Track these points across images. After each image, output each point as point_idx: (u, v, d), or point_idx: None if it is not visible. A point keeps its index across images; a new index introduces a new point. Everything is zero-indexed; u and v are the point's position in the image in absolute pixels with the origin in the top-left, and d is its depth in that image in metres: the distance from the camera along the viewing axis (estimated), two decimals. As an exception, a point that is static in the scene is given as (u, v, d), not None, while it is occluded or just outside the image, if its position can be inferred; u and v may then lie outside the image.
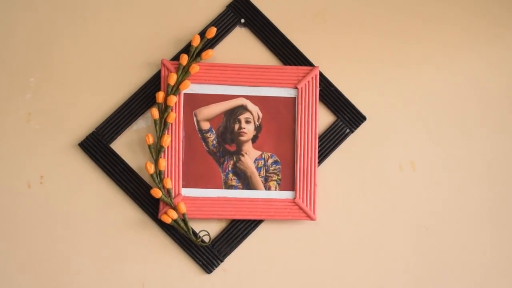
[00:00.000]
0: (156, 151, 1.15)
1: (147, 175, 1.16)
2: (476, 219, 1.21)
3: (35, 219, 1.16)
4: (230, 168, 1.18)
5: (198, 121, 1.17)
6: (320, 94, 1.19)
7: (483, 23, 1.25)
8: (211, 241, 1.16)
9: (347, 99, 1.20)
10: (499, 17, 1.25)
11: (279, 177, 1.17)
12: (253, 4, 1.20)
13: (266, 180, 1.17)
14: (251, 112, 1.18)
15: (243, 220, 1.17)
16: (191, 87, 1.17)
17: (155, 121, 1.15)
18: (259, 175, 1.17)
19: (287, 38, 1.20)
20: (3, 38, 1.18)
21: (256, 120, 1.18)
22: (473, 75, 1.24)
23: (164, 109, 1.15)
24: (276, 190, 1.17)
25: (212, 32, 1.16)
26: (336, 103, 1.19)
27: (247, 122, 1.18)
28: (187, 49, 1.18)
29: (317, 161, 1.17)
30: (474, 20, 1.25)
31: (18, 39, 1.18)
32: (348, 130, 1.19)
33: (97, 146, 1.16)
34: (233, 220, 1.17)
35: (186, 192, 1.16)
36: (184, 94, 1.17)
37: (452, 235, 1.20)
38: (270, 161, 1.18)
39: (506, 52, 1.24)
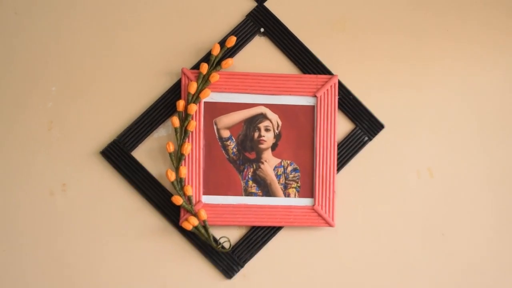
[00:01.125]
0: (177, 159, 1.16)
1: (168, 183, 1.18)
2: (493, 227, 1.22)
3: (58, 226, 1.18)
4: (250, 176, 1.19)
5: (218, 129, 1.18)
6: (339, 103, 1.20)
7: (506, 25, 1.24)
8: (231, 247, 1.18)
9: (365, 107, 1.21)
10: None
11: (298, 184, 1.18)
12: (272, 13, 1.20)
13: (285, 187, 1.18)
14: (270, 120, 1.19)
15: (263, 227, 1.19)
16: (211, 96, 1.18)
17: (175, 129, 1.16)
18: (278, 183, 1.18)
19: (306, 47, 1.20)
20: (25, 48, 1.20)
21: (275, 128, 1.19)
22: (492, 80, 1.24)
23: (185, 118, 1.16)
24: (295, 197, 1.18)
25: (232, 41, 1.17)
26: (355, 111, 1.20)
27: (267, 130, 1.19)
28: (207, 58, 1.19)
29: (336, 168, 1.18)
30: (496, 24, 1.24)
31: (40, 49, 1.20)
32: (366, 138, 1.20)
33: (119, 154, 1.18)
34: (253, 226, 1.19)
35: (207, 199, 1.17)
36: (205, 102, 1.18)
37: (469, 242, 1.21)
38: (289, 168, 1.19)
39: None
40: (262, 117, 1.19)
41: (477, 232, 1.22)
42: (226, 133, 1.18)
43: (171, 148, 1.16)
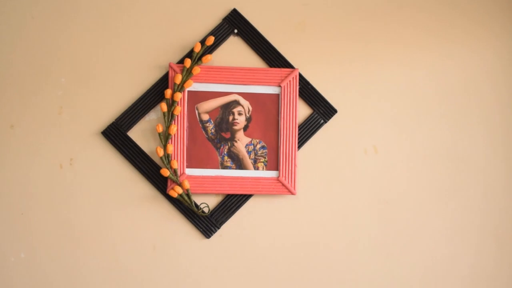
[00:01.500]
0: (165, 138, 1.31)
1: (158, 158, 1.32)
2: (427, 194, 1.37)
3: (66, 193, 1.32)
4: (225, 152, 1.34)
5: (199, 114, 1.34)
6: (299, 91, 1.34)
7: (438, 26, 1.39)
8: (210, 211, 1.32)
9: (321, 95, 1.36)
10: (454, 20, 1.39)
11: (265, 159, 1.34)
12: (244, 17, 1.35)
13: (255, 161, 1.34)
14: (242, 106, 1.34)
15: (236, 195, 1.33)
16: (193, 86, 1.33)
17: (164, 113, 1.30)
18: (249, 158, 1.34)
19: (272, 45, 1.35)
20: (40, 46, 1.32)
21: (247, 112, 1.34)
22: (421, 75, 1.38)
23: (171, 104, 1.31)
24: (263, 170, 1.34)
25: (210, 40, 1.31)
26: (312, 98, 1.35)
27: (240, 114, 1.34)
28: (190, 54, 1.33)
29: (297, 146, 1.33)
30: (429, 24, 1.39)
31: (52, 47, 1.33)
32: (322, 121, 1.36)
33: (117, 134, 1.32)
34: (228, 194, 1.33)
35: (190, 171, 1.33)
36: (188, 91, 1.33)
37: (408, 208, 1.37)
38: (258, 146, 1.34)
39: (460, 50, 1.39)
40: (236, 103, 1.34)
41: (415, 199, 1.37)
42: (205, 117, 1.34)
43: (160, 129, 1.30)
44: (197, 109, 1.34)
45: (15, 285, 1.30)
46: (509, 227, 1.39)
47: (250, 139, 1.34)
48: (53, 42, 1.34)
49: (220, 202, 1.34)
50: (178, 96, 1.30)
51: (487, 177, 1.39)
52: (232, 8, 1.35)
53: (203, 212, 1.32)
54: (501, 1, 1.41)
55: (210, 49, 1.34)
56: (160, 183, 1.33)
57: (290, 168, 1.33)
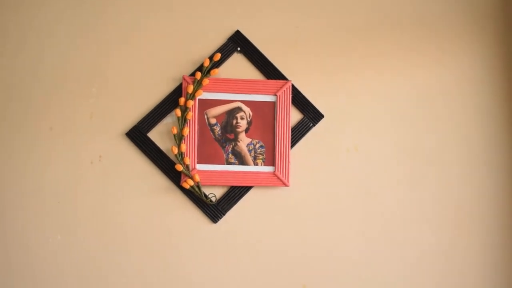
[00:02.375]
0: (179, 138, 1.45)
1: (173, 155, 1.46)
2: (400, 185, 1.52)
3: (96, 185, 1.45)
4: (230, 150, 1.47)
5: (208, 118, 1.47)
6: (292, 99, 1.49)
7: (412, 42, 1.52)
8: (216, 200, 1.47)
9: (310, 102, 1.50)
10: (427, 36, 1.53)
11: (263, 157, 1.48)
12: (246, 37, 1.50)
13: (255, 158, 1.47)
14: (244, 112, 1.48)
15: (239, 186, 1.47)
16: (203, 95, 1.47)
17: (178, 118, 1.44)
18: (250, 155, 1.47)
19: (269, 61, 1.50)
20: (74, 61, 1.47)
21: (248, 117, 1.48)
22: (397, 86, 1.52)
23: (185, 110, 1.45)
24: (261, 165, 1.47)
25: (217, 56, 1.46)
26: (303, 105, 1.50)
27: (242, 118, 1.48)
28: (200, 68, 1.47)
29: (290, 145, 1.47)
30: (404, 40, 1.53)
31: (85, 62, 1.47)
32: (311, 124, 1.50)
33: (138, 135, 1.46)
34: (232, 186, 1.47)
35: (200, 167, 1.47)
36: (198, 99, 1.47)
37: (384, 197, 1.51)
38: (257, 145, 1.48)
39: (432, 62, 1.52)
40: (239, 109, 1.48)
41: (389, 189, 1.51)
42: (213, 120, 1.48)
43: (175, 131, 1.44)
44: (206, 114, 1.48)
45: (52, 262, 1.44)
46: (471, 213, 1.53)
47: (250, 140, 1.49)
48: (86, 58, 1.48)
49: (225, 193, 1.48)
50: (190, 103, 1.44)
51: (451, 170, 1.53)
52: (236, 29, 1.51)
53: (211, 201, 1.46)
54: (468, 22, 1.56)
55: (217, 64, 1.48)
56: (174, 176, 1.47)
57: (284, 164, 1.47)
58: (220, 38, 1.51)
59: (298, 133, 1.51)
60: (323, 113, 1.53)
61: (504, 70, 1.57)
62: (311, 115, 1.51)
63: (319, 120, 1.52)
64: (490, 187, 1.56)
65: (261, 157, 1.48)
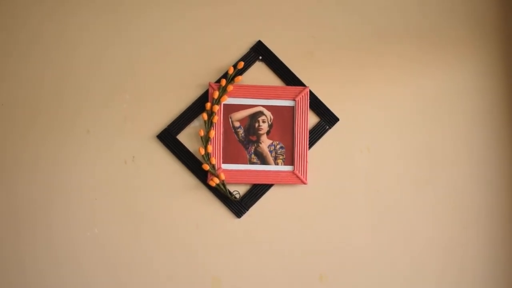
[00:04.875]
0: (206, 140, 1.53)
1: (200, 156, 1.55)
2: (409, 183, 1.61)
3: (129, 183, 1.53)
4: (252, 151, 1.56)
5: (232, 121, 1.56)
6: (309, 104, 1.57)
7: (417, 54, 1.61)
8: (240, 197, 1.56)
9: (327, 107, 1.59)
10: (430, 49, 1.62)
11: (283, 157, 1.56)
12: (267, 47, 1.59)
13: (275, 159, 1.56)
14: (266, 116, 1.56)
15: (261, 184, 1.55)
16: (228, 100, 1.55)
17: (205, 121, 1.53)
18: (271, 156, 1.56)
19: (288, 69, 1.58)
20: (110, 69, 1.54)
21: (269, 120, 1.56)
22: (410, 89, 1.62)
23: (211, 114, 1.53)
24: (282, 165, 1.56)
25: (241, 65, 1.54)
26: (320, 110, 1.58)
27: (263, 122, 1.56)
28: (225, 75, 1.55)
29: (307, 146, 1.56)
30: (410, 52, 1.61)
31: (119, 71, 1.55)
32: (327, 127, 1.58)
33: (168, 137, 1.54)
34: (255, 184, 1.56)
35: (225, 166, 1.55)
36: (223, 104, 1.55)
37: (395, 194, 1.60)
38: (278, 146, 1.56)
39: (434, 72, 1.61)
40: (261, 113, 1.56)
41: (400, 188, 1.60)
42: (237, 124, 1.56)
43: (202, 133, 1.52)
44: (230, 118, 1.57)
45: (89, 254, 1.53)
46: (472, 210, 1.63)
47: (271, 141, 1.57)
48: (120, 66, 1.57)
49: (249, 190, 1.57)
50: (216, 108, 1.53)
51: (455, 170, 1.63)
52: (257, 40, 1.60)
53: (235, 197, 1.54)
54: (469, 33, 1.65)
55: (240, 72, 1.56)
56: (201, 175, 1.55)
57: (302, 164, 1.56)
58: (243, 48, 1.60)
59: (315, 135, 1.59)
60: (338, 116, 1.61)
61: (505, 75, 1.67)
62: (327, 119, 1.60)
63: (335, 123, 1.61)
64: (492, 186, 1.65)
65: (281, 157, 1.57)
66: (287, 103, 1.57)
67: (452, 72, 1.65)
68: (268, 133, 1.57)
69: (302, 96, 1.58)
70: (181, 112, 1.57)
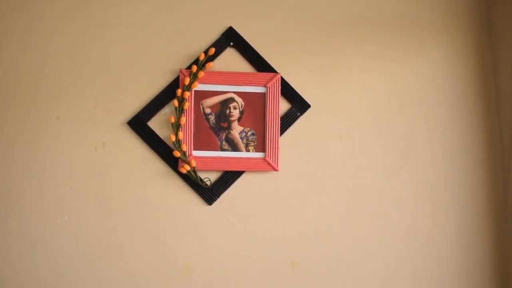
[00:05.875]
0: (176, 127, 1.52)
1: (171, 142, 1.54)
2: (380, 170, 1.61)
3: (100, 170, 1.52)
4: (223, 138, 1.55)
5: (203, 108, 1.55)
6: (281, 91, 1.56)
7: (391, 40, 1.61)
8: (211, 184, 1.55)
9: (298, 94, 1.58)
10: (404, 35, 1.62)
11: (255, 144, 1.55)
12: (238, 33, 1.58)
13: (246, 145, 1.55)
14: (237, 102, 1.55)
15: (232, 171, 1.54)
16: (198, 86, 1.54)
17: (175, 108, 1.51)
18: (242, 142, 1.55)
19: (260, 55, 1.57)
20: (80, 55, 1.54)
21: (240, 107, 1.55)
22: (383, 76, 1.61)
23: (182, 100, 1.51)
24: (253, 152, 1.55)
25: (212, 51, 1.53)
26: (291, 96, 1.57)
27: (235, 108, 1.55)
28: (196, 61, 1.54)
29: (279, 133, 1.55)
30: (384, 39, 1.61)
31: (89, 56, 1.55)
32: (299, 114, 1.58)
33: (139, 124, 1.53)
34: (226, 171, 1.55)
35: (196, 153, 1.54)
36: (194, 91, 1.54)
37: (366, 180, 1.60)
38: (249, 133, 1.56)
39: (409, 59, 1.60)
40: (232, 100, 1.55)
41: (370, 173, 1.60)
42: (208, 110, 1.55)
43: (173, 120, 1.51)
44: (201, 104, 1.55)
45: (60, 241, 1.51)
46: (444, 198, 1.62)
47: (242, 128, 1.56)
48: (90, 52, 1.56)
49: (219, 177, 1.56)
50: (187, 94, 1.52)
51: (429, 159, 1.63)
52: (229, 26, 1.59)
53: (206, 184, 1.54)
54: (443, 21, 1.64)
55: (211, 58, 1.55)
56: (172, 162, 1.54)
57: (274, 150, 1.55)
58: (214, 33, 1.58)
59: (286, 121, 1.58)
60: (309, 103, 1.60)
61: (480, 63, 1.66)
62: (298, 105, 1.59)
63: (306, 110, 1.60)
64: (461, 172, 1.65)
65: (252, 144, 1.56)
66: (259, 89, 1.56)
67: (428, 59, 1.65)
68: (239, 119, 1.57)
69: (274, 82, 1.57)
70: (151, 98, 1.56)
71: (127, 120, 1.56)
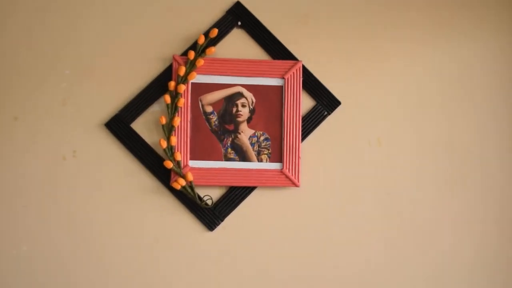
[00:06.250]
0: (168, 130, 1.35)
1: (161, 150, 1.37)
2: (430, 186, 1.42)
3: (69, 186, 1.36)
4: (229, 144, 1.38)
5: (202, 105, 1.38)
6: (302, 83, 1.39)
7: (437, 25, 1.45)
8: (213, 204, 1.37)
9: (325, 87, 1.40)
10: (451, 19, 1.46)
11: (269, 151, 1.38)
12: (248, 10, 1.40)
13: (258, 153, 1.38)
14: (246, 98, 1.38)
15: (240, 187, 1.37)
16: (197, 78, 1.37)
17: (167, 105, 1.35)
18: (253, 150, 1.38)
19: (276, 38, 1.40)
20: (43, 38, 1.38)
21: (250, 104, 1.38)
22: (428, 66, 1.45)
23: (175, 95, 1.35)
24: (267, 162, 1.38)
25: (214, 32, 1.36)
26: (316, 90, 1.40)
27: (243, 106, 1.38)
28: (194, 46, 1.38)
29: (300, 138, 1.38)
30: (429, 23, 1.45)
31: (56, 39, 1.38)
32: (326, 113, 1.40)
33: (120, 126, 1.37)
34: (232, 186, 1.37)
35: (193, 163, 1.36)
36: (192, 83, 1.37)
37: (410, 199, 1.41)
38: (262, 138, 1.38)
39: (457, 47, 1.45)
40: (239, 95, 1.38)
41: (417, 191, 1.42)
42: (209, 108, 1.38)
43: (164, 120, 1.35)
44: (200, 101, 1.38)
45: (16, 279, 1.34)
46: (506, 213, 1.44)
47: (253, 131, 1.38)
48: (57, 34, 1.40)
49: (224, 195, 1.38)
50: (182, 88, 1.34)
51: (483, 167, 1.44)
52: (235, 0, 1.41)
53: (206, 204, 1.35)
54: (496, 3, 1.48)
55: (213, 41, 1.39)
56: (163, 175, 1.37)
57: (293, 160, 1.37)
58: (217, 10, 1.43)
59: (310, 123, 1.42)
60: (339, 99, 1.43)
61: None
62: (325, 102, 1.42)
63: (335, 108, 1.43)
64: None
65: (266, 152, 1.40)
66: (274, 81, 1.40)
67: (479, 47, 1.48)
68: (249, 120, 1.40)
69: (294, 72, 1.40)
70: (136, 93, 1.40)
71: (105, 121, 1.39)
